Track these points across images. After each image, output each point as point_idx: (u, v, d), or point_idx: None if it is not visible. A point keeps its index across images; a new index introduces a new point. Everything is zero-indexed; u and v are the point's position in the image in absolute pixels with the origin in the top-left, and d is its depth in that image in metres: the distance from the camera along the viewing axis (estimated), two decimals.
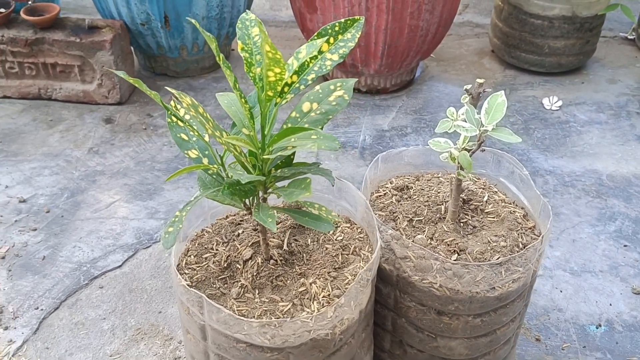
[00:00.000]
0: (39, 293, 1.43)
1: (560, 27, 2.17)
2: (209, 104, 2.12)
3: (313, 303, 0.94)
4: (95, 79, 2.03)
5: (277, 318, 0.91)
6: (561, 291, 1.46)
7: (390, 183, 1.22)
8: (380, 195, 1.19)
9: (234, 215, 1.12)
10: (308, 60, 0.84)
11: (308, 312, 0.92)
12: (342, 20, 0.86)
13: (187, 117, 0.93)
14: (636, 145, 1.95)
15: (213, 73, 2.30)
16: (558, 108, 2.13)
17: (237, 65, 2.35)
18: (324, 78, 2.26)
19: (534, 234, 1.09)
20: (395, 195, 1.18)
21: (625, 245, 1.58)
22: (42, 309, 1.39)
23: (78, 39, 1.95)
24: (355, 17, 0.87)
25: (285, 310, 0.93)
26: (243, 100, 0.81)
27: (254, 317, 0.92)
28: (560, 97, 2.18)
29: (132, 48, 2.15)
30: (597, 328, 1.37)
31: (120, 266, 1.50)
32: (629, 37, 2.58)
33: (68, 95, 2.08)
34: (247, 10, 0.85)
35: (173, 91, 0.79)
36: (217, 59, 0.77)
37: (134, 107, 2.09)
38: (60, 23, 2.01)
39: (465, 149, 0.99)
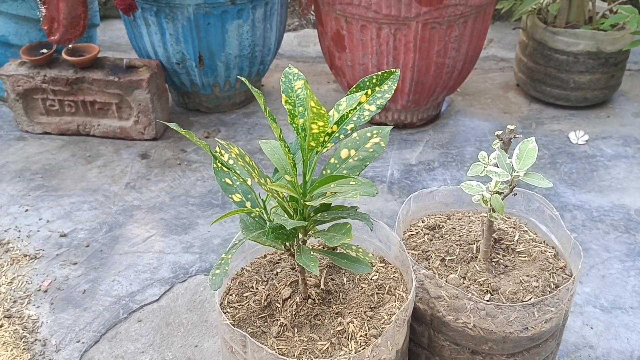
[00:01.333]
0: (80, 326, 1.48)
1: (585, 62, 2.20)
2: (240, 139, 2.18)
3: (350, 342, 0.97)
4: (132, 115, 2.11)
5: (316, 357, 0.94)
6: (592, 328, 1.46)
7: (422, 222, 1.25)
8: (412, 234, 1.22)
9: (272, 254, 1.16)
10: (347, 112, 0.88)
11: (346, 351, 0.95)
12: (379, 72, 0.91)
13: (230, 162, 0.98)
14: None
15: (244, 109, 2.37)
16: (584, 142, 2.15)
17: (267, 100, 2.42)
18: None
19: (565, 274, 1.12)
20: (427, 234, 1.21)
21: None
22: (83, 342, 1.44)
23: (116, 78, 2.03)
24: (392, 70, 0.91)
25: (323, 349, 0.96)
26: (287, 149, 0.85)
27: (293, 355, 0.95)
28: (586, 131, 2.20)
29: (166, 85, 2.23)
30: None
31: (157, 300, 1.55)
32: None
33: (105, 131, 2.16)
34: (290, 65, 0.90)
35: (221, 142, 0.84)
36: (265, 113, 0.82)
37: (169, 143, 2.16)
38: (99, 63, 2.10)
39: (497, 192, 1.02)
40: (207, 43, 2.07)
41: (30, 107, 2.16)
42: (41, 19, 2.01)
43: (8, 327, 1.46)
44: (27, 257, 1.68)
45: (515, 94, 2.46)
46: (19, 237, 1.74)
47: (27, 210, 1.84)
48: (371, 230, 0.92)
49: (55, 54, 2.12)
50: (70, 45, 2.09)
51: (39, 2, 1.97)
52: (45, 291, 1.57)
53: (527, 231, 1.21)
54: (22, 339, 1.44)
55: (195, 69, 2.13)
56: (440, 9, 1.86)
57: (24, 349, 1.42)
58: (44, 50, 2.11)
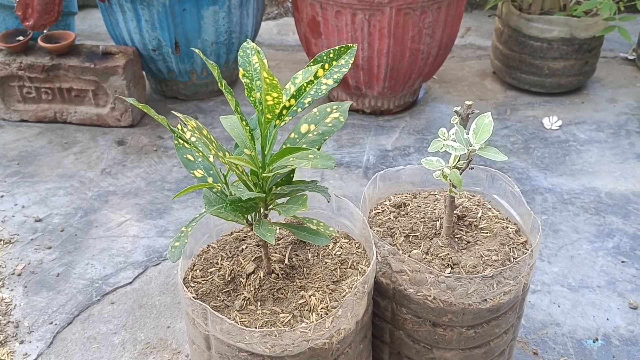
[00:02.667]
0: (53, 308, 1.49)
1: (559, 48, 2.23)
2: (217, 126, 2.19)
3: (312, 314, 0.99)
4: (109, 102, 2.11)
5: (278, 328, 0.96)
6: (559, 306, 1.49)
7: (389, 200, 1.27)
8: (378, 212, 1.24)
9: (239, 231, 1.18)
10: (305, 84, 0.90)
11: (307, 322, 0.97)
12: (337, 47, 0.92)
13: (192, 139, 0.99)
14: (635, 164, 1.99)
15: (222, 96, 2.38)
16: (558, 127, 2.18)
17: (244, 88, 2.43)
18: (329, 100, 2.33)
19: (526, 249, 1.14)
20: (393, 212, 1.23)
21: (623, 262, 1.61)
22: (56, 324, 1.45)
23: (92, 65, 2.03)
24: (349, 44, 0.93)
25: (285, 321, 0.98)
26: (244, 122, 0.87)
27: (255, 327, 0.97)
28: (560, 117, 2.23)
29: (143, 73, 2.23)
30: (594, 342, 1.40)
31: (130, 283, 1.56)
32: (629, 57, 2.63)
33: (82, 118, 2.16)
34: (247, 39, 0.91)
35: (179, 115, 0.86)
36: (219, 85, 0.83)
37: (145, 130, 2.16)
38: (75, 50, 2.10)
39: (457, 167, 1.04)
40: (183, 29, 2.07)
41: (7, 94, 2.15)
42: (15, 4, 2.00)
43: None
44: (2, 241, 1.68)
45: (491, 81, 2.48)
46: None
47: (2, 196, 1.85)
48: (328, 202, 0.94)
49: (31, 41, 2.12)
50: (45, 32, 2.09)
51: None
52: (19, 275, 1.58)
53: (490, 208, 1.23)
54: None
55: (172, 56, 2.14)
56: None
57: None
58: (20, 38, 2.10)
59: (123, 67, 2.03)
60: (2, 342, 1.40)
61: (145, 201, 1.83)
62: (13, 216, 1.77)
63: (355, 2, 1.90)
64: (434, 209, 1.23)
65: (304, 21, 2.09)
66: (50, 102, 2.16)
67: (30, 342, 1.40)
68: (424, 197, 1.28)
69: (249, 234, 1.17)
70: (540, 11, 2.27)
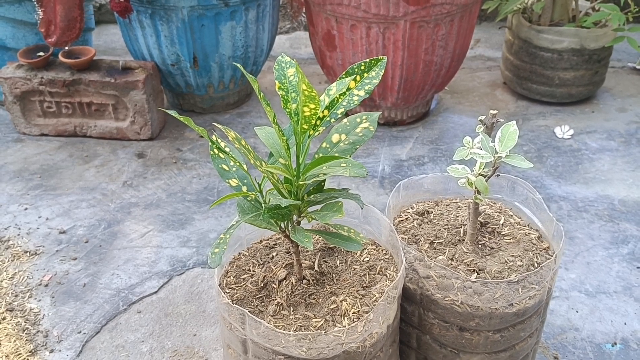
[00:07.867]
0: (81, 318, 1.52)
1: (570, 59, 2.27)
2: None
3: (344, 319, 1.02)
4: (129, 116, 2.15)
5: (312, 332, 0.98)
6: (577, 311, 1.52)
7: (412, 208, 1.30)
8: (402, 220, 1.27)
9: (268, 239, 1.21)
10: (337, 96, 0.93)
11: (339, 327, 1.00)
12: (367, 60, 0.96)
13: (227, 149, 1.02)
14: None
15: (237, 109, 2.42)
16: (570, 136, 2.21)
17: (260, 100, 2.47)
18: (346, 113, 2.37)
19: (548, 254, 1.17)
20: (417, 219, 1.26)
21: (638, 267, 1.64)
22: (84, 333, 1.48)
23: (113, 80, 2.07)
24: (379, 57, 0.96)
25: (318, 325, 1.01)
26: (281, 133, 0.90)
27: (290, 332, 0.99)
28: (571, 126, 2.26)
29: (162, 87, 2.28)
30: (612, 346, 1.43)
31: (156, 292, 1.59)
32: (637, 67, 2.66)
33: (102, 132, 2.20)
34: (282, 54, 0.95)
35: (220, 126, 0.89)
36: (259, 97, 0.87)
37: (164, 143, 2.20)
38: (95, 65, 2.15)
39: (482, 175, 1.07)
40: (201, 44, 2.12)
41: (27, 109, 2.20)
42: (38, 21, 2.05)
43: (10, 320, 1.50)
44: (28, 253, 1.71)
45: (502, 91, 2.52)
46: (19, 235, 1.78)
47: (26, 209, 1.88)
48: (362, 209, 0.97)
49: (52, 57, 2.17)
50: (66, 48, 2.14)
51: (37, 5, 2.02)
52: (46, 285, 1.61)
53: (512, 215, 1.26)
54: (24, 330, 1.48)
55: (190, 70, 2.18)
56: (427, 8, 1.92)
57: (26, 340, 1.45)
58: (41, 53, 2.15)
59: (143, 81, 2.07)
60: (33, 351, 1.43)
61: (167, 212, 1.86)
62: (37, 228, 1.81)
63: (370, 16, 1.95)
64: (457, 216, 1.26)
65: (319, 35, 2.14)
66: (71, 116, 2.20)
67: (60, 350, 1.43)
68: (446, 205, 1.31)
69: (278, 241, 1.20)
70: (550, 22, 2.31)
